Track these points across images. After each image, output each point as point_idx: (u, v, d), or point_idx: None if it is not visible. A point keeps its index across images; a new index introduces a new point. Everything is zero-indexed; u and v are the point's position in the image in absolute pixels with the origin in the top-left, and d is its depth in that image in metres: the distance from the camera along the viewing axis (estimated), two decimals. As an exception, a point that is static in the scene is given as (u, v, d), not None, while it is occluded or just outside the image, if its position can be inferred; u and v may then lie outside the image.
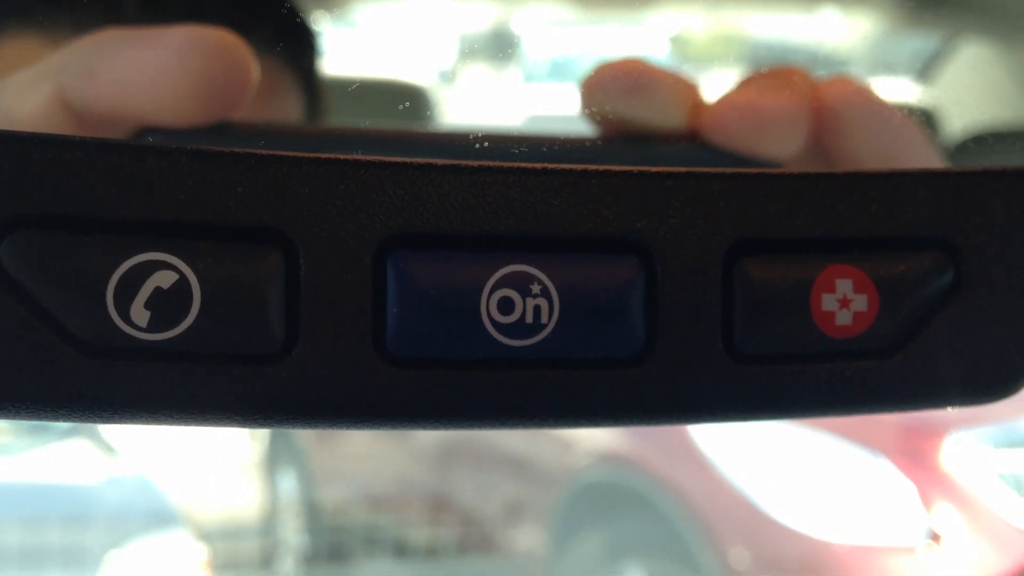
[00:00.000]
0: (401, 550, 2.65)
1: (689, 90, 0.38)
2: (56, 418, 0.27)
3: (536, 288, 0.28)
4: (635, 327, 0.28)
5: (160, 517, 2.30)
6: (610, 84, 0.37)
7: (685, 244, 0.28)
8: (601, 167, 0.28)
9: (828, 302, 0.29)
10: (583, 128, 0.39)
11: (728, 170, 0.29)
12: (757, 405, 0.29)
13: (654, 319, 0.28)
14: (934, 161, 0.38)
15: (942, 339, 0.30)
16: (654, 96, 0.37)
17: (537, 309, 0.28)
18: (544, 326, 0.28)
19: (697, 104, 0.38)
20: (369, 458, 3.04)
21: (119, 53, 0.33)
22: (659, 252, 0.28)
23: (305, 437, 3.14)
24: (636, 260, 0.28)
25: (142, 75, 0.32)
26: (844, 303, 0.29)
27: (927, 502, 2.03)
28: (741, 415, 0.30)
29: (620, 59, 0.38)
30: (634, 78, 0.37)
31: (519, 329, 0.28)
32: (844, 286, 0.29)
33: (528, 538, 2.73)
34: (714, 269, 0.29)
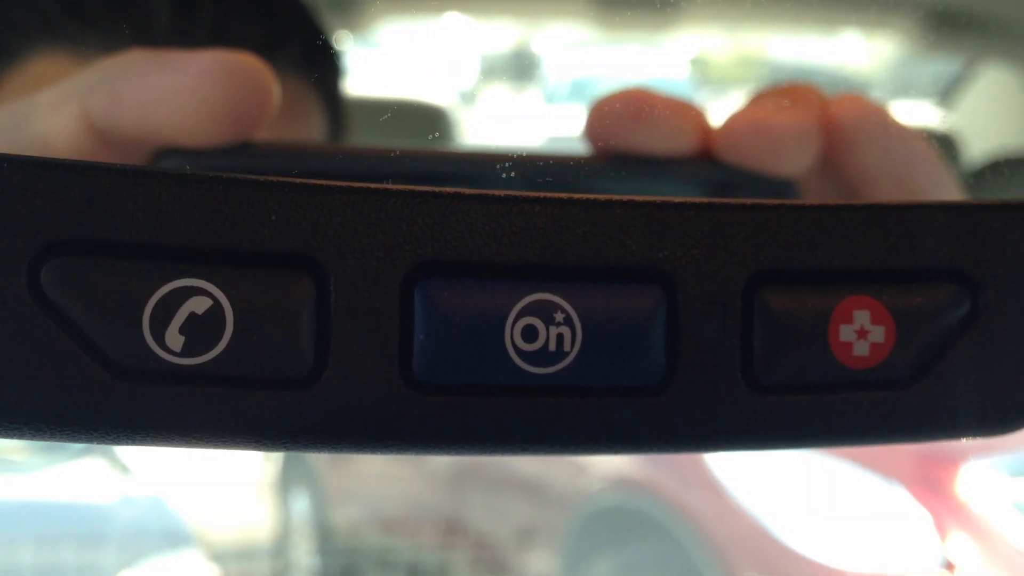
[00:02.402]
0: (413, 572, 2.64)
1: (695, 115, 0.38)
2: (90, 440, 0.27)
3: (559, 316, 0.28)
4: (656, 356, 0.29)
5: (173, 537, 2.30)
6: (613, 118, 0.37)
7: (706, 274, 0.29)
8: (624, 197, 0.29)
9: (846, 333, 0.29)
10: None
11: (749, 201, 0.30)
12: (775, 434, 0.30)
13: (675, 348, 0.29)
14: (948, 180, 0.38)
15: (958, 371, 0.30)
16: (659, 126, 0.37)
17: (560, 337, 0.28)
18: (567, 354, 0.28)
19: (705, 127, 0.38)
20: (382, 480, 3.03)
21: (144, 76, 0.34)
22: (680, 282, 0.29)
23: (319, 459, 3.14)
24: (658, 289, 0.29)
25: (166, 98, 0.33)
26: (862, 334, 0.29)
27: (942, 531, 2.02)
28: (759, 444, 0.30)
29: (621, 90, 0.38)
30: (637, 110, 0.37)
31: (542, 357, 0.28)
32: (862, 317, 0.29)
33: (540, 562, 2.72)
34: (734, 299, 0.29)
